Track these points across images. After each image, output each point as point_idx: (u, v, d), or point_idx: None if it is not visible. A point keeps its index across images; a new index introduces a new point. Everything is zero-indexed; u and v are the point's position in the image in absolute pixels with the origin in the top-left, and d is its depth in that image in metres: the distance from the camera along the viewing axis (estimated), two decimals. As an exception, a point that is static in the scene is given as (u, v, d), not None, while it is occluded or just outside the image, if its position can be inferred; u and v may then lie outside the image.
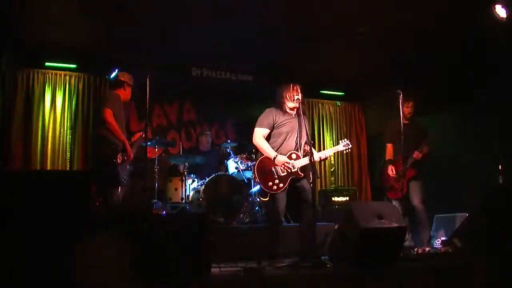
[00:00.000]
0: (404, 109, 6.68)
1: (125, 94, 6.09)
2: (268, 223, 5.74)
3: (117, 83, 6.11)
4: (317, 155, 5.57)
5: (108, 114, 5.67)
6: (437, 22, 7.12)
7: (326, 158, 5.80)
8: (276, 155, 5.38)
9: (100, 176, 5.78)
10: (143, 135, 6.40)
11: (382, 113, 7.81)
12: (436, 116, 8.33)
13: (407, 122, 6.69)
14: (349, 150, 5.84)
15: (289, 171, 5.35)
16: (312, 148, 5.56)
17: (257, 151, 5.69)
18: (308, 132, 5.54)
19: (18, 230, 3.34)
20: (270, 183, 5.37)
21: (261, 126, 5.55)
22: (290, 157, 5.41)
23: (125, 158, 5.83)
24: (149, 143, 7.22)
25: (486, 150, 7.63)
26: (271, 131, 5.54)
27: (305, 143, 5.55)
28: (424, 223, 6.69)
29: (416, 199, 6.65)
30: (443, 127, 7.75)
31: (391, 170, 6.87)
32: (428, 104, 8.12)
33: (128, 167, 6.01)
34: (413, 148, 6.60)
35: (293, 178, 5.39)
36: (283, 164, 5.34)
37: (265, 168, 5.44)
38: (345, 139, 5.87)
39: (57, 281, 3.20)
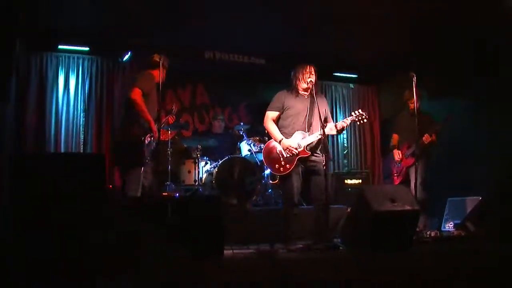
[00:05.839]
0: (410, 105, 6.80)
1: (160, 75, 6.02)
2: (283, 204, 5.77)
3: (152, 64, 6.09)
4: (331, 126, 5.59)
5: (136, 93, 5.67)
6: (452, 5, 7.03)
7: (342, 129, 5.63)
8: (282, 139, 5.46)
9: (125, 154, 5.81)
10: (174, 113, 6.53)
11: (396, 96, 7.75)
12: (450, 100, 8.27)
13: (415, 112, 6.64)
14: (364, 121, 5.68)
15: (295, 151, 5.37)
16: (331, 123, 5.59)
17: (269, 134, 5.74)
18: (321, 113, 5.46)
19: (33, 212, 3.38)
20: (277, 165, 5.46)
21: (271, 109, 5.68)
22: (296, 137, 5.44)
23: (152, 138, 5.84)
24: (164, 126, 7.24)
25: (500, 135, 7.57)
26: (281, 113, 5.59)
27: (323, 122, 5.49)
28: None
29: (411, 184, 6.65)
30: (457, 111, 7.67)
31: (397, 154, 7.10)
32: (442, 88, 8.07)
33: (153, 148, 6.02)
34: (417, 138, 6.55)
35: (301, 158, 5.41)
36: (287, 148, 5.37)
37: (271, 152, 5.57)
38: (360, 110, 5.74)
39: (74, 260, 3.24)
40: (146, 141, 5.74)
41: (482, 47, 7.70)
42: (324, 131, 5.27)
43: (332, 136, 9.69)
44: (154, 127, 5.81)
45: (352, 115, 5.72)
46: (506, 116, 7.52)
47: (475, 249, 4.73)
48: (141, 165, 5.78)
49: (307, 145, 5.43)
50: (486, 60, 7.71)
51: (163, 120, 6.50)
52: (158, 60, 5.97)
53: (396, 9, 7.16)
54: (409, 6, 7.04)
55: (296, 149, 5.39)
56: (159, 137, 5.75)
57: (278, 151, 5.48)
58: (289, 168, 5.40)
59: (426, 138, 6.63)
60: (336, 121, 5.84)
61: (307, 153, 5.42)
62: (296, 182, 5.45)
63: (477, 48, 7.77)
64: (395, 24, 7.64)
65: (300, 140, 5.43)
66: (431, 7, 7.01)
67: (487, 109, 7.91)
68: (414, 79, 6.06)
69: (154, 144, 5.93)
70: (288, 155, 5.41)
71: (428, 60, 8.17)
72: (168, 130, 7.76)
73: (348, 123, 5.64)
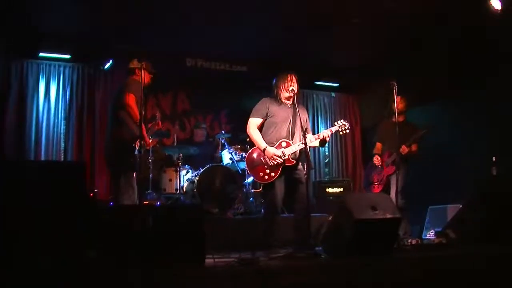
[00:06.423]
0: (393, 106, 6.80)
1: (141, 81, 6.00)
2: (265, 213, 5.74)
3: (131, 70, 6.08)
4: (311, 137, 5.55)
5: (131, 99, 5.65)
6: (434, 13, 7.10)
7: (324, 140, 5.60)
8: (266, 147, 5.38)
9: (117, 161, 5.78)
10: (159, 122, 6.57)
11: (376, 105, 7.80)
12: (430, 107, 8.35)
13: (399, 119, 6.50)
14: (346, 131, 5.73)
15: (280, 160, 5.35)
16: (310, 135, 5.56)
17: (251, 142, 5.69)
18: (303, 122, 5.50)
19: (13, 219, 3.34)
20: (261, 174, 5.39)
21: (254, 116, 5.59)
22: (280, 145, 5.42)
23: (142, 145, 5.80)
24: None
25: (480, 142, 7.65)
26: (265, 120, 5.56)
27: (304, 131, 5.49)
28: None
29: (392, 192, 6.66)
30: (437, 118, 7.75)
31: (376, 159, 7.08)
32: (423, 95, 8.13)
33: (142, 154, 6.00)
34: (398, 146, 6.57)
35: (286, 167, 5.39)
36: (272, 157, 5.34)
37: (255, 159, 5.49)
38: (342, 120, 5.79)
39: (56, 270, 3.21)
40: (136, 146, 5.70)
41: (468, 56, 7.79)
42: (305, 140, 5.26)
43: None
44: (146, 135, 5.81)
45: (335, 125, 5.73)
46: (486, 122, 7.62)
47: (455, 256, 4.75)
48: (133, 170, 5.74)
49: (291, 153, 5.41)
50: (470, 71, 7.81)
51: (149, 126, 6.49)
52: (137, 66, 5.95)
53: (378, 18, 7.23)
54: (392, 14, 7.11)
55: (281, 157, 5.35)
56: (141, 144, 5.72)
57: (262, 159, 5.41)
58: (274, 177, 5.36)
59: (403, 149, 6.66)
60: (318, 130, 5.85)
61: (292, 162, 5.39)
62: (280, 190, 5.42)
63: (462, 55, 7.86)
64: (377, 33, 7.71)
65: (284, 149, 5.40)
66: (414, 15, 7.09)
67: (468, 118, 7.99)
68: (395, 87, 6.08)
69: (140, 151, 5.92)
70: (272, 164, 5.36)
71: (410, 68, 8.23)
72: (149, 138, 7.71)
73: (330, 134, 5.63)
